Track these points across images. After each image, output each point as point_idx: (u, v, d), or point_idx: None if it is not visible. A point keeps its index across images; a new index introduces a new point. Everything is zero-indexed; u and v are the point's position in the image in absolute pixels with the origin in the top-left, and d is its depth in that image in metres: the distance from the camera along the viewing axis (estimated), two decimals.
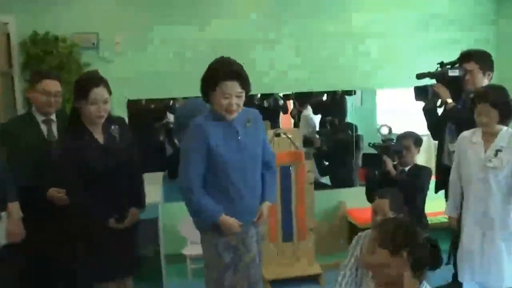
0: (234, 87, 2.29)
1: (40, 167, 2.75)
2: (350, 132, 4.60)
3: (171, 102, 4.40)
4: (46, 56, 3.77)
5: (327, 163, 4.74)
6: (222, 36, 4.12)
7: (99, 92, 2.45)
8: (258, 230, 2.53)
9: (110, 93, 2.53)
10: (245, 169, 2.38)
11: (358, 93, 4.61)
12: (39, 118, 2.90)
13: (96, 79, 2.50)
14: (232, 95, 2.29)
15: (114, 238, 2.53)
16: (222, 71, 2.28)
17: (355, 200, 4.24)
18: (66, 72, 3.72)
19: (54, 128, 2.93)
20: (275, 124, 4.33)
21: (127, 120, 2.96)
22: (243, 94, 2.33)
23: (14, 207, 2.57)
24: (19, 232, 2.60)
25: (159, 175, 4.08)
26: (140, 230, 2.76)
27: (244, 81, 2.31)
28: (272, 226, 3.73)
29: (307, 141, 4.41)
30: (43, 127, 2.91)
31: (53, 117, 2.94)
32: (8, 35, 3.82)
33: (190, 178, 2.33)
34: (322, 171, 4.70)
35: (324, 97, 4.68)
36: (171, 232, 3.85)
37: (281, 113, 4.63)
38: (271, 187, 2.57)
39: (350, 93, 4.59)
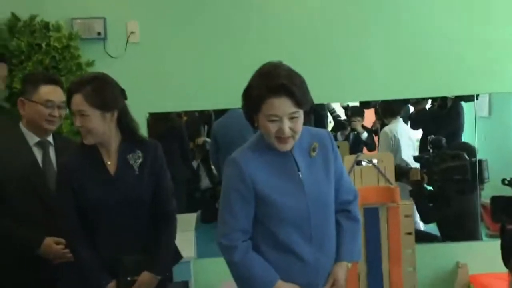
0: (284, 105, 2.15)
1: (33, 208, 2.71)
2: (466, 157, 4.29)
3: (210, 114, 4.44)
4: (31, 51, 3.67)
5: (431, 204, 4.46)
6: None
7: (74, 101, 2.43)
8: None
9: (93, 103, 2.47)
10: (309, 217, 2.28)
11: (483, 98, 4.37)
12: (31, 139, 2.82)
13: (77, 84, 2.47)
14: (282, 117, 2.16)
15: None
16: (266, 85, 2.16)
17: (480, 262, 4.08)
18: (63, 74, 3.65)
19: (52, 153, 2.88)
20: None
21: None
22: (300, 114, 2.19)
23: None
24: None
25: (191, 218, 4.09)
26: None
27: (298, 97, 2.16)
28: None
29: (399, 172, 4.21)
30: (37, 152, 2.84)
31: (50, 138, 2.89)
32: None
33: (230, 232, 2.29)
34: (425, 217, 4.46)
35: (427, 105, 4.52)
36: None
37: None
38: (352, 240, 2.46)
39: (468, 98, 4.34)
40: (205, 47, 4.01)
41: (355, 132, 4.57)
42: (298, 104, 2.17)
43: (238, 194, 2.25)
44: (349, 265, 2.44)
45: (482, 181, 4.34)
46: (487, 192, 4.24)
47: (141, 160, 2.55)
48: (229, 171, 2.29)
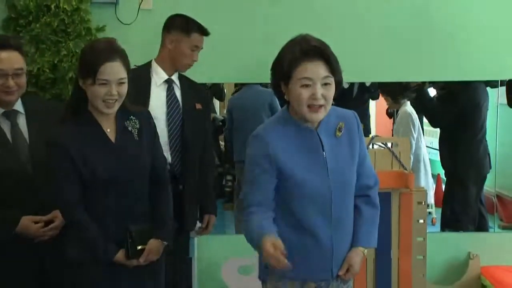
0: (317, 68, 2.18)
1: (7, 187, 2.64)
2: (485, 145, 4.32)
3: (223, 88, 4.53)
4: (40, 12, 3.60)
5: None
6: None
7: (111, 68, 2.41)
8: (347, 286, 2.49)
9: (128, 72, 2.49)
10: (331, 197, 2.29)
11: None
12: None
13: (109, 50, 2.45)
14: (315, 81, 2.17)
15: (123, 281, 2.51)
16: (299, 49, 2.20)
17: (493, 253, 4.08)
18: (71, 38, 3.61)
19: (22, 123, 2.76)
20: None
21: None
22: (332, 81, 2.21)
23: None
24: None
25: None
26: (166, 272, 2.76)
27: (331, 61, 2.20)
28: (358, 286, 3.48)
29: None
30: (4, 124, 2.72)
31: (19, 107, 2.77)
32: None
33: (252, 204, 2.31)
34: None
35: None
36: (209, 277, 3.89)
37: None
38: (370, 226, 2.47)
39: (489, 84, 4.28)
40: (217, 17, 3.91)
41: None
42: (331, 69, 2.19)
43: (262, 168, 2.26)
44: (365, 251, 2.44)
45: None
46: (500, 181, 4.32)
47: (138, 126, 2.57)
48: (253, 145, 2.31)
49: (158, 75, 3.26)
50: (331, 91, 2.22)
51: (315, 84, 2.18)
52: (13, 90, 2.66)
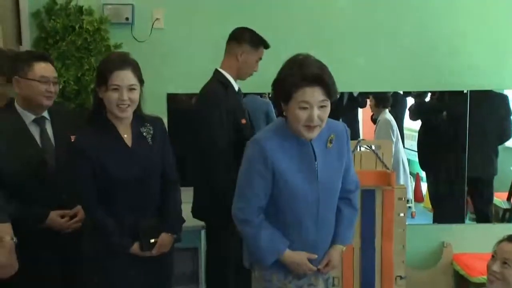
0: (315, 94, 2.20)
1: (35, 188, 2.72)
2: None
3: None
4: (66, 32, 3.77)
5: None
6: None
7: (122, 75, 2.47)
8: (326, 278, 2.56)
9: (140, 81, 2.55)
10: (318, 203, 2.36)
11: None
12: (27, 117, 2.78)
13: (120, 60, 2.52)
14: (312, 105, 2.21)
15: (139, 271, 2.58)
16: (300, 74, 2.20)
17: (465, 242, 4.16)
18: (93, 55, 3.79)
19: (49, 128, 2.85)
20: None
21: (166, 120, 2.97)
22: (328, 104, 2.24)
23: (5, 230, 2.22)
24: (10, 264, 2.26)
25: None
26: (176, 263, 2.82)
27: (328, 87, 2.21)
28: (346, 271, 3.61)
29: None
30: (34, 130, 2.79)
31: (46, 114, 2.85)
32: (17, 2, 3.81)
33: (246, 207, 2.36)
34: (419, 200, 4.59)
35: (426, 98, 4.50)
36: None
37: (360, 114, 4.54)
38: (349, 226, 2.55)
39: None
40: (222, 36, 3.83)
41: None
42: (328, 94, 2.20)
43: (258, 172, 2.30)
44: (344, 248, 2.55)
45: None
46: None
47: (152, 132, 2.63)
48: (252, 150, 2.33)
49: (235, 87, 3.34)
50: (327, 112, 2.24)
51: (312, 107, 2.19)
52: (52, 95, 2.79)
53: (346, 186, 2.50)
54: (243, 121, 3.28)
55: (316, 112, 2.21)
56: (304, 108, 2.20)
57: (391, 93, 4.47)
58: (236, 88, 3.34)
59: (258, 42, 3.32)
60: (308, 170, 2.33)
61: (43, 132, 2.81)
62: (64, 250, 2.79)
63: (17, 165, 2.66)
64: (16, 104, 2.80)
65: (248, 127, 3.31)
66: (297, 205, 2.34)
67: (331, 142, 2.37)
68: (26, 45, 3.82)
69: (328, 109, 2.24)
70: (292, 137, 2.31)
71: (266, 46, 3.35)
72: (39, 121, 2.81)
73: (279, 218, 2.37)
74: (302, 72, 2.18)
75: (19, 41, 3.84)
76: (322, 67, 2.23)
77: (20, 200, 2.62)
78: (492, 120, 4.43)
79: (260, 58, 3.36)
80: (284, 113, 2.29)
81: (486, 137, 4.41)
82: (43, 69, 2.76)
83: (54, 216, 2.76)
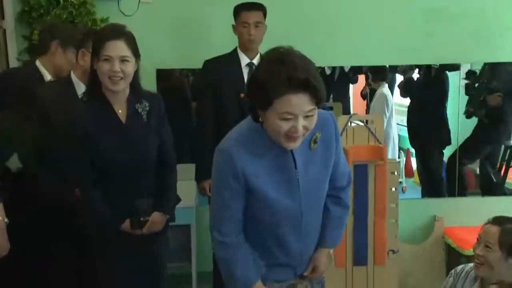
0: (301, 103, 1.82)
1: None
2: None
3: None
4: (50, 5, 3.71)
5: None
6: None
7: (113, 46, 2.42)
8: (317, 280, 2.36)
9: (136, 54, 2.50)
10: (301, 215, 2.10)
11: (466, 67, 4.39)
12: (80, 89, 2.81)
13: (112, 31, 2.48)
14: (297, 115, 1.84)
15: (131, 249, 2.58)
16: (282, 78, 1.79)
17: (456, 216, 4.21)
18: None
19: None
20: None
21: None
22: (315, 112, 1.88)
23: None
24: (2, 245, 2.37)
25: (192, 167, 3.89)
26: (168, 240, 2.83)
27: (316, 92, 1.82)
28: (340, 245, 3.52)
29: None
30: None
31: None
32: None
33: (221, 224, 2.09)
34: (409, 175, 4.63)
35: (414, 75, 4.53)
36: (207, 244, 3.67)
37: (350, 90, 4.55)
38: (337, 227, 2.29)
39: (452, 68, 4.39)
40: (213, 11, 3.97)
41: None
42: (317, 101, 1.85)
43: (229, 188, 2.01)
44: (331, 251, 2.34)
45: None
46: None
47: (147, 109, 2.58)
48: (220, 160, 2.02)
49: (243, 59, 3.52)
50: (314, 121, 1.89)
51: (297, 118, 1.84)
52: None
53: (337, 183, 2.21)
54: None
55: (301, 122, 1.85)
56: (287, 120, 1.84)
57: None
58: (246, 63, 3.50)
59: (237, 10, 3.47)
60: (288, 180, 2.03)
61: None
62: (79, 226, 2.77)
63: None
64: (72, 73, 2.88)
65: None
66: (277, 218, 2.06)
67: (315, 142, 2.04)
68: (9, 19, 3.75)
69: (315, 117, 1.88)
70: (268, 142, 1.97)
71: (247, 7, 3.44)
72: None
73: (258, 230, 2.12)
74: (285, 75, 1.79)
75: (1, 15, 3.77)
76: (308, 66, 1.83)
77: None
78: None
79: (247, 23, 3.42)
80: (260, 119, 1.94)
81: None
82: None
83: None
